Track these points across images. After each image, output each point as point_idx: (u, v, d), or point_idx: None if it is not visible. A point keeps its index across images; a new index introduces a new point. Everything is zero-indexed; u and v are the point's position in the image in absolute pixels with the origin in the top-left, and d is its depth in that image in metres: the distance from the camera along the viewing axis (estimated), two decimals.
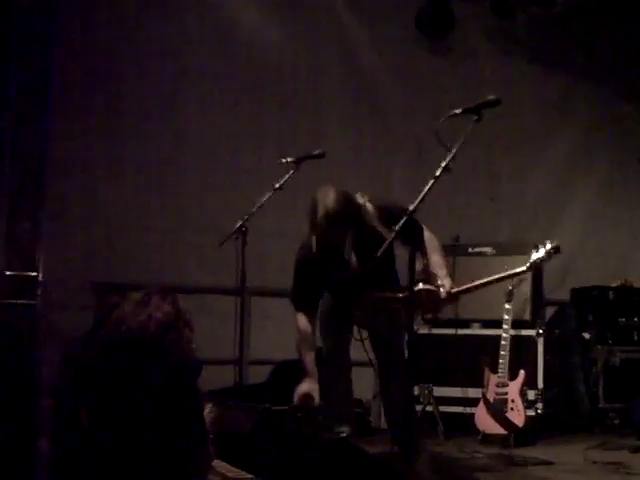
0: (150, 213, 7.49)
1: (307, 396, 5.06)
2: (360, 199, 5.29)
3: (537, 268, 6.05)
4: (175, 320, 2.56)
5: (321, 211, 5.06)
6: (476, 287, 5.61)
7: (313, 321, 5.36)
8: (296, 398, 5.06)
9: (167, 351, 2.49)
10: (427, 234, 5.34)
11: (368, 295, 5.30)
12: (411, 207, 4.20)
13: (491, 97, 4.35)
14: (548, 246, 5.73)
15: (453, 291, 5.24)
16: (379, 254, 4.16)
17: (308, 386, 5.12)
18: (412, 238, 4.44)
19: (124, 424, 2.44)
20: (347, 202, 5.15)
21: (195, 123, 7.76)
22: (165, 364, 2.47)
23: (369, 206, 5.28)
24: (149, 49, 7.59)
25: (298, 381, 5.20)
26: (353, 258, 5.34)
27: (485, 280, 5.65)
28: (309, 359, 5.24)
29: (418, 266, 4.86)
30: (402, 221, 4.17)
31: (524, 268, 5.77)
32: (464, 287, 5.48)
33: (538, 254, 5.75)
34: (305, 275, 5.34)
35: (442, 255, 5.44)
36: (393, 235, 4.26)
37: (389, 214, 4.93)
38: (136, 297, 2.52)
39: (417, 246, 4.80)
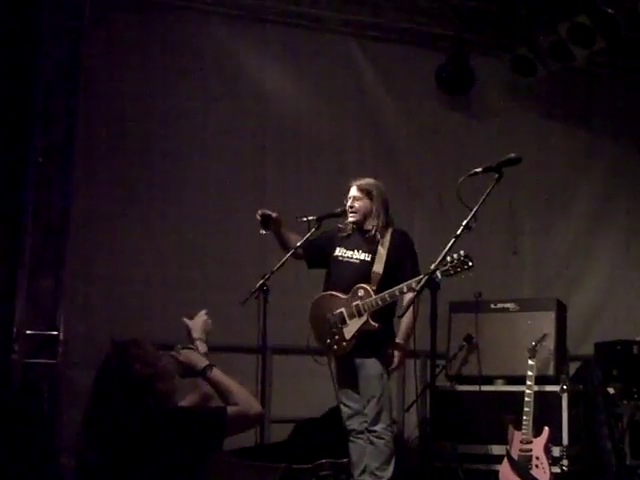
0: (171, 271, 7.51)
1: None
2: None
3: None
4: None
5: None
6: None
7: None
8: None
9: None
10: None
11: None
12: (433, 266, 4.20)
13: (512, 155, 4.31)
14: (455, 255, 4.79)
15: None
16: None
17: None
18: None
19: None
20: None
21: (217, 182, 7.80)
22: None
23: None
24: (168, 107, 7.70)
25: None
26: None
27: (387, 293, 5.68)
28: None
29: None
30: (424, 280, 4.20)
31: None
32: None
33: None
34: None
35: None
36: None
37: None
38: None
39: None
